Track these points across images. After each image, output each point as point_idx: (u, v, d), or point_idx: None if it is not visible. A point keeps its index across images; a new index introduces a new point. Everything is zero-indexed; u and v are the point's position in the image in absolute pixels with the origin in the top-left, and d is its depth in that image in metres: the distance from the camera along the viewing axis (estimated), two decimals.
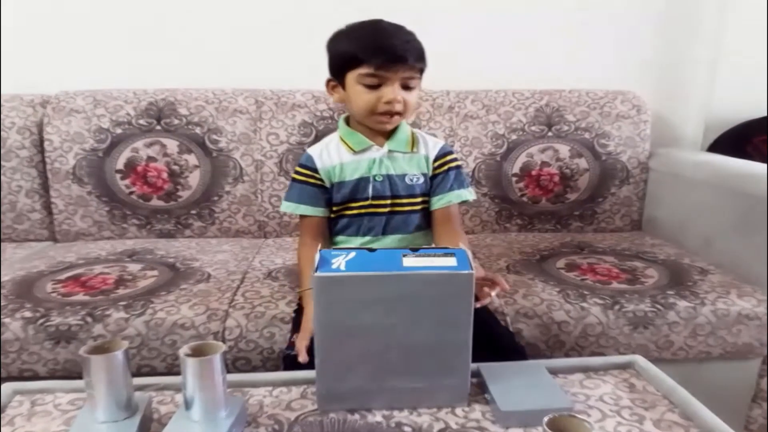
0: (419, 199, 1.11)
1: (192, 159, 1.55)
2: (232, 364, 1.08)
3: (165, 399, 0.78)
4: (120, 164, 1.54)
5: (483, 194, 1.63)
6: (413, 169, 1.10)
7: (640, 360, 0.88)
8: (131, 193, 1.56)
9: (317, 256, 0.71)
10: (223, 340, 1.07)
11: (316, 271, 0.69)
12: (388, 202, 1.09)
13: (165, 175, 1.55)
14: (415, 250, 0.74)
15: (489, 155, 1.62)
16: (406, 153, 1.10)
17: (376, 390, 0.74)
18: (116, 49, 1.67)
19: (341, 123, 1.12)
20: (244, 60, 1.69)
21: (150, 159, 1.55)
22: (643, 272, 1.30)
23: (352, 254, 0.73)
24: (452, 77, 1.66)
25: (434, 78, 1.60)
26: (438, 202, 1.11)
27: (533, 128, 1.63)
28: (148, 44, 1.67)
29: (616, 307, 1.15)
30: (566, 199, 1.65)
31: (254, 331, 1.08)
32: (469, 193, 1.13)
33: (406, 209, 1.10)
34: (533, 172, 1.63)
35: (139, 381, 0.78)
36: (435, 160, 1.12)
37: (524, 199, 1.64)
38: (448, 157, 1.13)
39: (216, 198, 1.57)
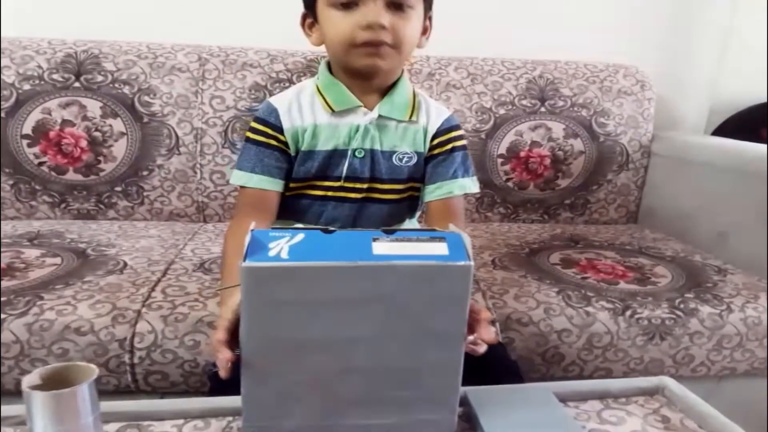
0: (405, 186, 0.88)
1: (118, 124, 1.32)
2: (143, 380, 0.86)
3: None
4: (27, 128, 1.30)
5: None
6: (406, 144, 0.86)
7: (671, 384, 0.70)
8: (41, 164, 1.32)
9: (248, 237, 0.50)
10: (132, 349, 0.84)
11: (245, 259, 0.49)
12: (365, 186, 0.85)
13: (84, 144, 1.32)
14: (390, 232, 0.54)
15: (473, 132, 1.44)
16: (401, 122, 0.86)
17: (328, 428, 0.56)
18: None
19: (322, 68, 0.86)
20: (188, 9, 1.47)
21: (66, 123, 1.31)
22: (652, 270, 1.14)
23: (300, 236, 0.52)
24: (434, 41, 1.46)
25: None
26: (435, 192, 0.87)
27: (524, 102, 1.47)
28: None
29: (628, 312, 0.97)
30: (557, 185, 1.51)
31: (173, 339, 0.86)
32: (473, 184, 0.90)
33: (386, 197, 0.87)
34: (522, 154, 1.47)
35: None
36: (435, 136, 0.87)
37: (510, 184, 1.49)
38: (454, 134, 0.88)
39: (146, 173, 1.34)
